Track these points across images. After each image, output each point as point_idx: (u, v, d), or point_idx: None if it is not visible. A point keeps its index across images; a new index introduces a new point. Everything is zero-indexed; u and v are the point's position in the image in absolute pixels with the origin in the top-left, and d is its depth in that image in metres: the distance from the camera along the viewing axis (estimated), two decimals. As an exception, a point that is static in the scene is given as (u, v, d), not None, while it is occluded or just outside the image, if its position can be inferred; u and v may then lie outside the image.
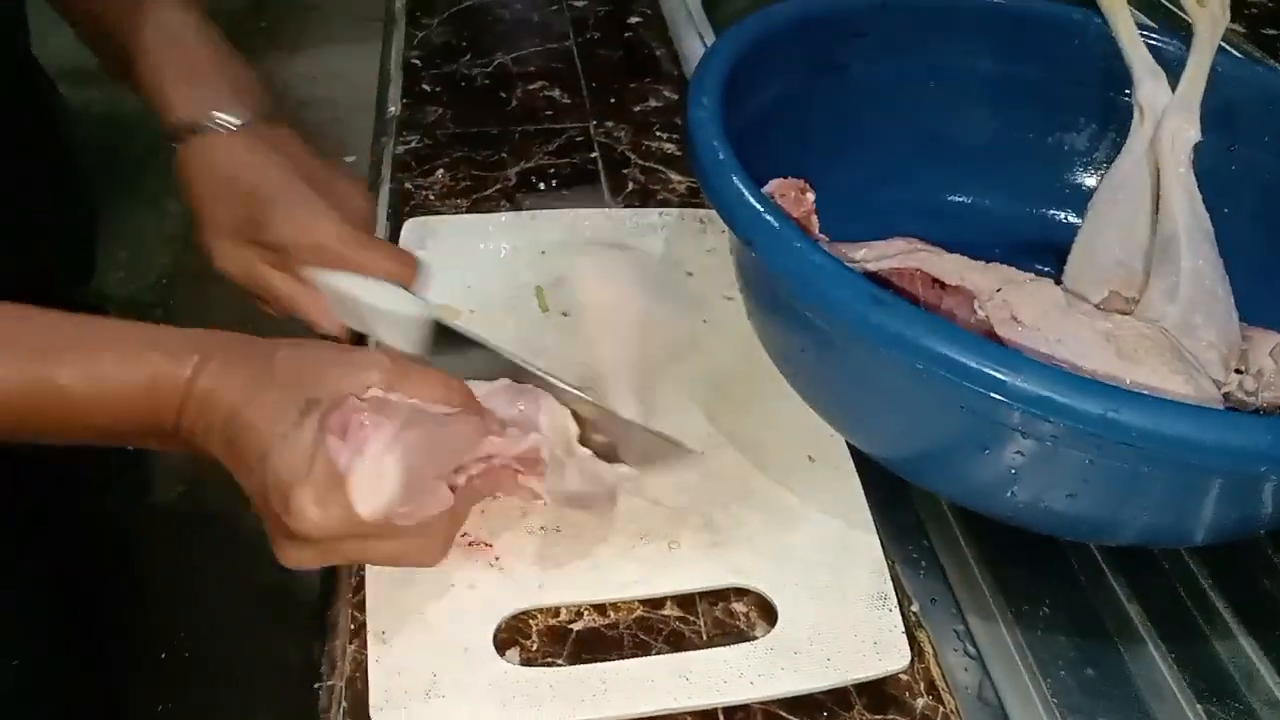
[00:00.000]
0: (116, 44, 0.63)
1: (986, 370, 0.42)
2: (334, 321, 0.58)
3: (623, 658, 0.50)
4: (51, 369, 0.47)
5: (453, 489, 0.48)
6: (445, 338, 0.57)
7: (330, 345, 0.53)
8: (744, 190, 0.51)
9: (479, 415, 0.50)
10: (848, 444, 0.59)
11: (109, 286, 1.48)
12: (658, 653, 0.50)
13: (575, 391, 0.53)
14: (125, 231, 1.88)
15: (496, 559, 0.53)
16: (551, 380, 0.53)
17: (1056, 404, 0.41)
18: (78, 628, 0.77)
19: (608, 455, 0.53)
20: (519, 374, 0.54)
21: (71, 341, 0.48)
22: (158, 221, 1.87)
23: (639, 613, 0.52)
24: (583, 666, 0.49)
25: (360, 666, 0.49)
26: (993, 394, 0.42)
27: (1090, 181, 0.71)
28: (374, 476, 0.44)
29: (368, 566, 0.52)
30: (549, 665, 0.49)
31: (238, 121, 0.59)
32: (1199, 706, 0.49)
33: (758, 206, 0.50)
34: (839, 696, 0.49)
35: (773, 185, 0.62)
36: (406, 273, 0.58)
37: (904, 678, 0.49)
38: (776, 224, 0.49)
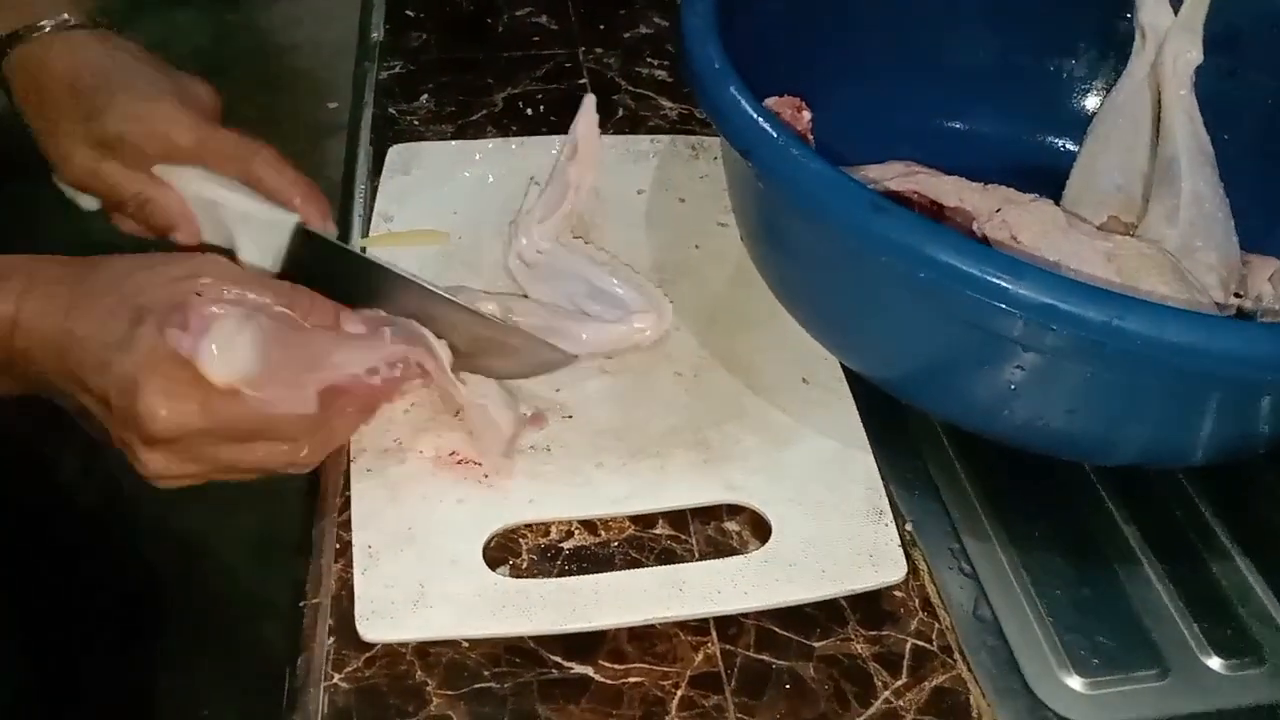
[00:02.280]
0: None
1: (990, 277, 0.41)
2: (192, 225, 0.55)
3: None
4: None
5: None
6: (304, 248, 0.54)
7: (153, 254, 0.50)
8: (740, 99, 0.50)
9: (335, 328, 0.49)
10: (842, 366, 0.58)
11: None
12: (655, 564, 0.50)
13: (473, 309, 0.53)
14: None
15: (485, 476, 0.52)
16: (448, 297, 0.53)
17: (1060, 311, 0.41)
18: (57, 588, 0.76)
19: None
20: (418, 294, 0.53)
21: None
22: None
23: (630, 531, 0.51)
24: (574, 578, 0.49)
25: (346, 585, 0.49)
26: (995, 302, 0.41)
27: (1089, 108, 0.70)
28: (225, 346, 0.44)
29: (354, 484, 0.51)
30: (545, 579, 0.49)
31: (70, 20, 0.56)
32: (1195, 625, 0.49)
33: (755, 115, 0.49)
34: (833, 612, 0.48)
35: (768, 103, 0.60)
36: (262, 164, 0.55)
37: (898, 594, 0.49)
38: (774, 132, 0.48)
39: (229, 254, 0.53)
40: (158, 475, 0.46)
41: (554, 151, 0.71)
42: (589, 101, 0.63)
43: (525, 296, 0.61)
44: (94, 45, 0.56)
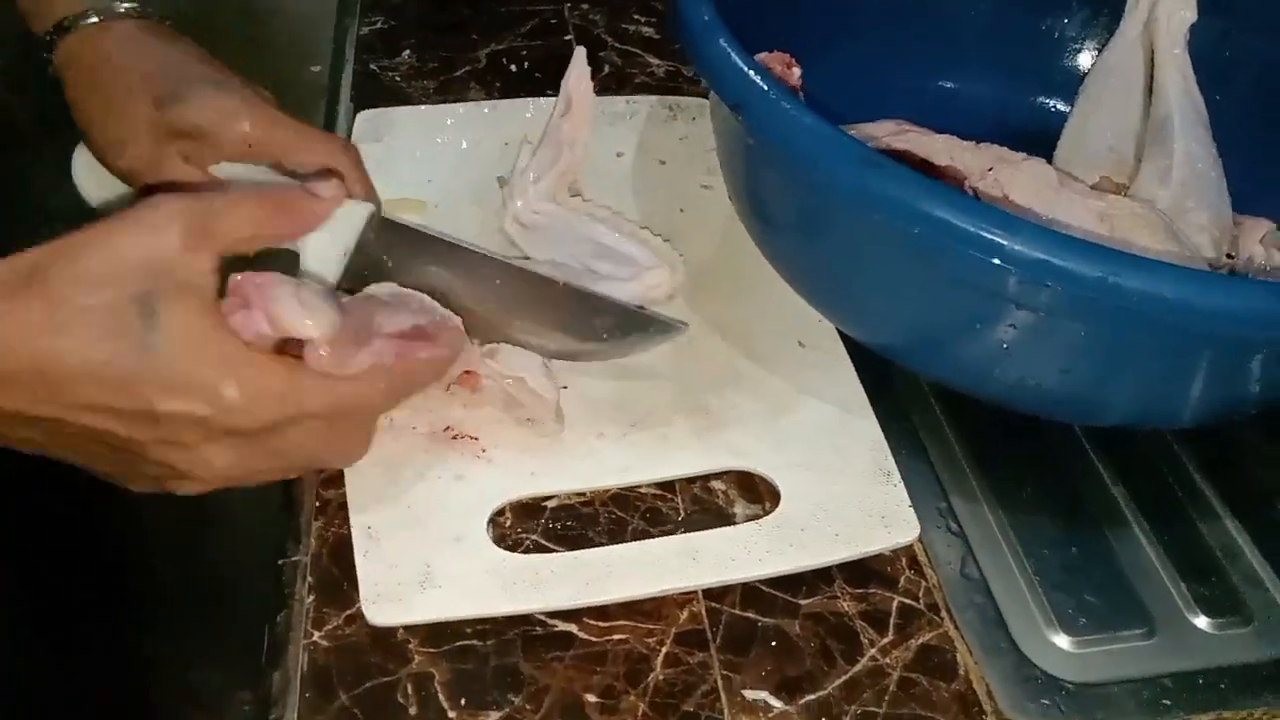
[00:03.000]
0: None
1: (984, 233, 0.40)
2: None
3: (621, 541, 0.48)
4: None
5: None
6: (395, 236, 0.50)
7: (88, 227, 0.40)
8: (731, 52, 0.49)
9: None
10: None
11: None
12: (664, 535, 0.49)
13: (534, 269, 0.52)
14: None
15: (484, 451, 0.51)
16: (506, 260, 0.52)
17: (1055, 267, 0.40)
18: (62, 566, 0.75)
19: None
20: (467, 260, 0.51)
21: None
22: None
23: (638, 497, 0.50)
24: (586, 551, 0.48)
25: (325, 542, 0.48)
26: (990, 258, 0.41)
27: (1082, 67, 0.69)
28: (303, 303, 0.41)
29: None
30: (554, 553, 0.48)
31: (119, 8, 0.53)
32: (1182, 584, 0.49)
33: (746, 69, 0.48)
34: (819, 571, 0.48)
35: (758, 59, 0.59)
36: (346, 157, 0.52)
37: (886, 553, 0.49)
38: (766, 87, 0.47)
39: (293, 256, 0.49)
40: (224, 475, 0.41)
41: (528, 114, 0.70)
42: (580, 55, 0.62)
43: (527, 259, 0.59)
44: (154, 35, 0.53)
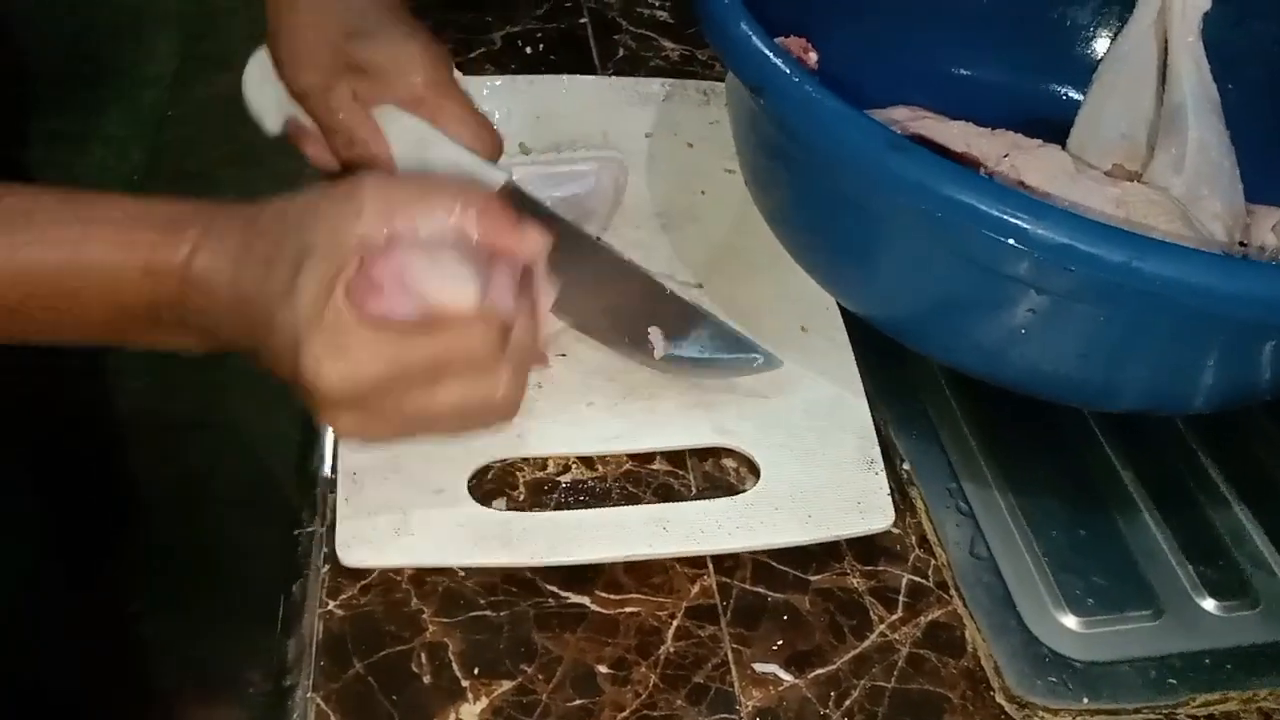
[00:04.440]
0: None
1: (1008, 217, 0.41)
2: (390, 159, 0.52)
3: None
4: (36, 253, 0.41)
5: None
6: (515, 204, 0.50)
7: (313, 189, 0.45)
8: (752, 34, 0.49)
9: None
10: (842, 314, 0.58)
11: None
12: (646, 504, 0.49)
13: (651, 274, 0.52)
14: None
15: None
16: (628, 261, 0.52)
17: (1079, 251, 0.40)
18: (66, 526, 0.75)
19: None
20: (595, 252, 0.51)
21: (54, 220, 0.42)
22: (128, 118, 1.79)
23: (628, 466, 0.51)
24: (559, 512, 0.48)
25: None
26: (1013, 242, 0.41)
27: (1095, 56, 0.69)
28: (438, 276, 0.39)
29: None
30: (527, 513, 0.49)
31: None
32: (1189, 567, 0.49)
33: (767, 51, 0.48)
34: (829, 547, 0.49)
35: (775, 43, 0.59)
36: (488, 139, 0.52)
37: (895, 531, 0.49)
38: (788, 69, 0.47)
39: None
40: (352, 436, 0.43)
41: (563, 90, 0.70)
42: None
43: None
44: None
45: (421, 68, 0.51)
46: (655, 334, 0.52)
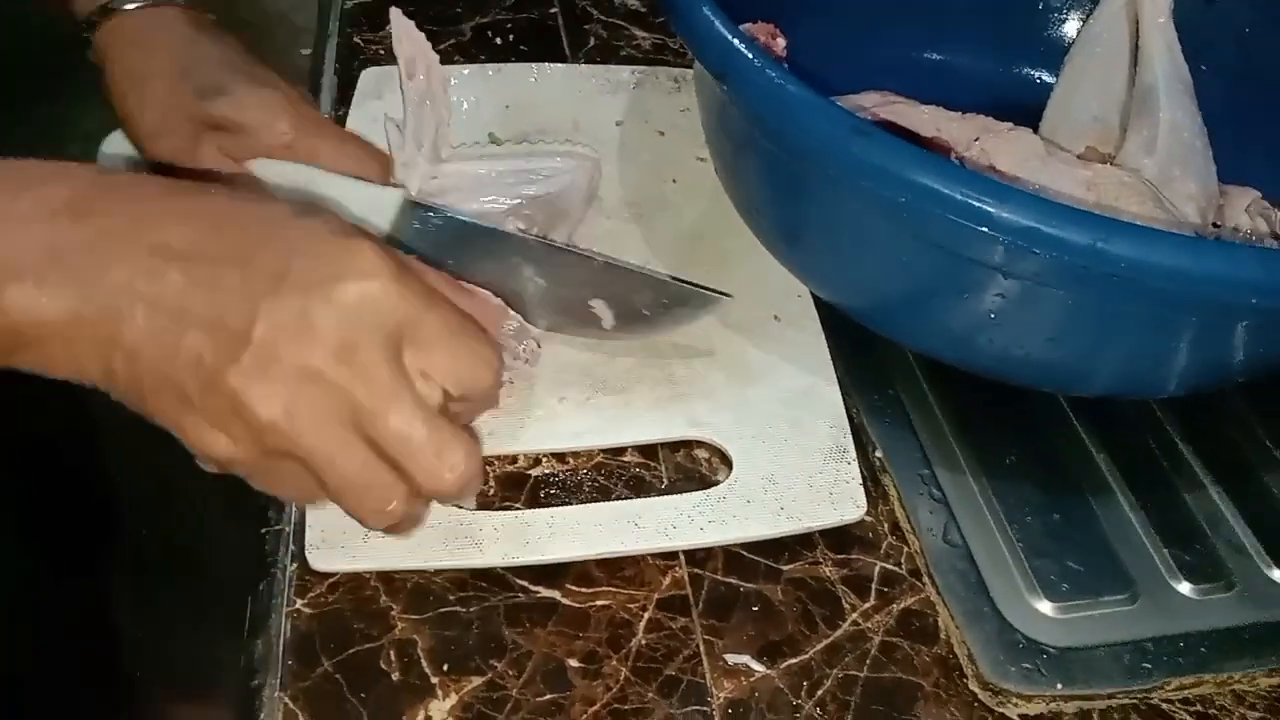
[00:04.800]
0: None
1: (973, 201, 0.40)
2: None
3: (583, 503, 0.49)
4: None
5: None
6: (417, 221, 0.50)
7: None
8: (715, 20, 0.49)
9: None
10: (814, 302, 0.58)
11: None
12: (617, 498, 0.49)
13: (576, 249, 0.51)
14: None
15: None
16: (549, 243, 0.51)
17: (1044, 234, 0.40)
18: (42, 510, 0.74)
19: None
20: (509, 243, 0.50)
21: None
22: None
23: (599, 459, 0.50)
24: (529, 511, 0.48)
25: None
26: (978, 226, 0.41)
27: (1066, 39, 0.69)
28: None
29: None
30: (503, 510, 0.48)
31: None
32: (1165, 550, 0.49)
33: (731, 38, 0.48)
34: (801, 536, 0.48)
35: (743, 28, 0.59)
36: (374, 163, 0.52)
37: (868, 519, 0.49)
38: (751, 55, 0.47)
39: None
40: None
41: (532, 79, 0.70)
42: (395, 14, 0.58)
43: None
44: (198, 26, 0.53)
45: (285, 113, 0.50)
46: (599, 305, 0.51)
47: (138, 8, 0.52)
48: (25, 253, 0.34)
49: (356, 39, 0.75)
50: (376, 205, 0.49)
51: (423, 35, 0.58)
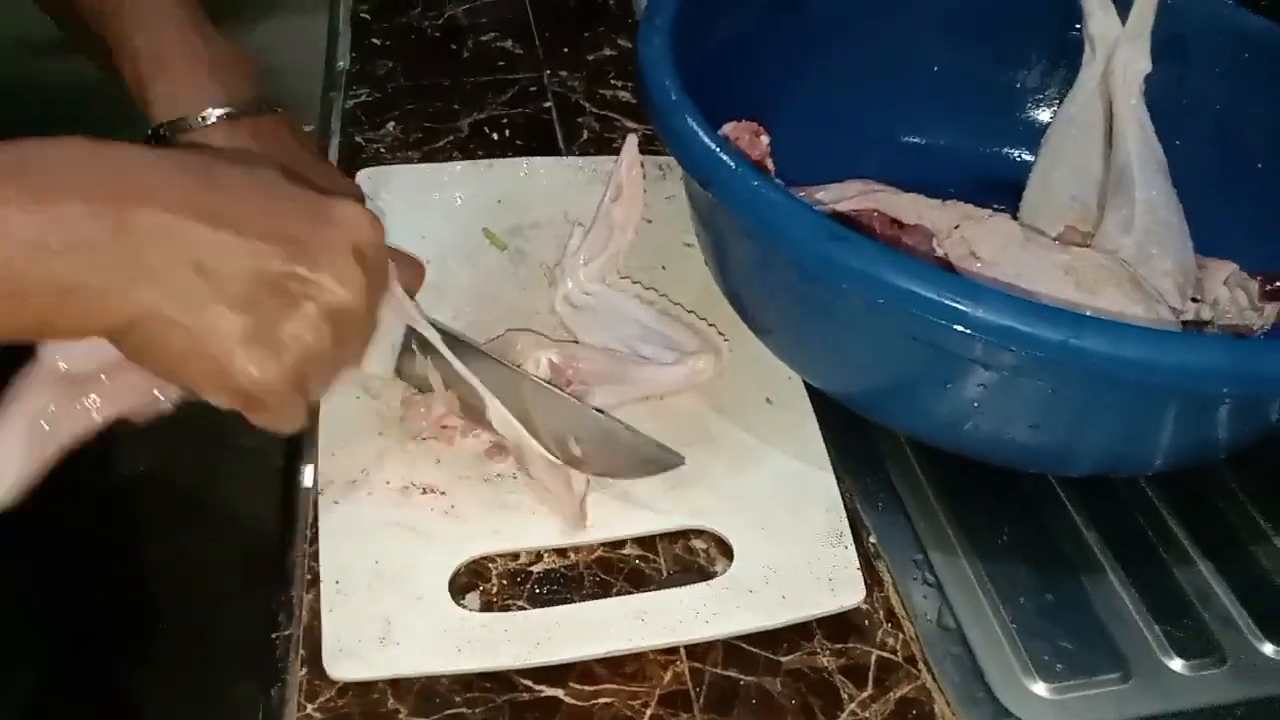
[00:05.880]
0: (86, 21, 0.58)
1: (947, 302, 0.42)
2: None
3: (584, 599, 0.50)
4: None
5: None
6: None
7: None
8: (698, 130, 0.51)
9: None
10: (805, 385, 0.59)
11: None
12: (618, 592, 0.50)
13: (558, 391, 0.53)
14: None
15: (452, 507, 0.52)
16: (542, 383, 0.53)
17: (1018, 333, 0.41)
18: (60, 606, 0.76)
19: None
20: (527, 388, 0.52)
21: None
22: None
23: (599, 553, 0.52)
24: (537, 611, 0.49)
25: (318, 615, 0.49)
26: (954, 326, 0.42)
27: (1044, 118, 0.71)
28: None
29: (321, 518, 0.51)
30: (507, 609, 0.49)
31: (219, 113, 0.56)
32: (1156, 627, 0.50)
33: (713, 145, 0.50)
34: (799, 627, 0.49)
35: (727, 129, 0.61)
36: (411, 274, 0.52)
37: (863, 607, 0.50)
38: (732, 163, 0.49)
39: None
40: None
41: (522, 173, 0.72)
42: (631, 141, 0.63)
43: (577, 342, 0.60)
44: (243, 138, 0.56)
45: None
46: (574, 444, 0.52)
47: (210, 125, 0.55)
48: (66, 224, 0.38)
49: (358, 138, 0.78)
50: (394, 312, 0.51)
51: (641, 175, 0.62)
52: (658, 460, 0.52)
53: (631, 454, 0.52)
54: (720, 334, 0.61)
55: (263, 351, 0.41)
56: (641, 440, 0.53)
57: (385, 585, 0.49)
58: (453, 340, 0.51)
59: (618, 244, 0.62)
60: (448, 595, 0.49)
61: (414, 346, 0.50)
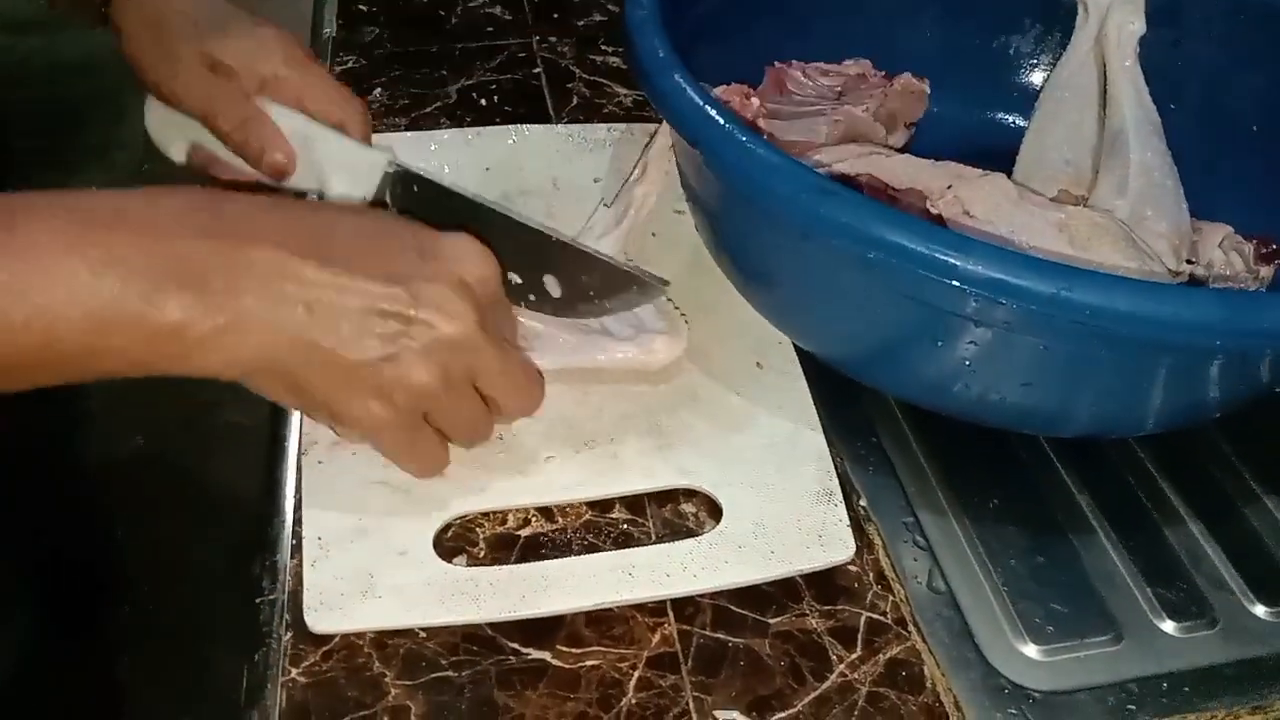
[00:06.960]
0: None
1: (937, 255, 0.42)
2: (290, 150, 0.54)
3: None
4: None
5: None
6: (399, 185, 0.54)
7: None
8: (686, 86, 0.50)
9: None
10: (796, 349, 0.58)
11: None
12: (602, 550, 0.50)
13: (539, 226, 0.52)
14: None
15: None
16: (514, 217, 0.52)
17: (1009, 285, 0.41)
18: (47, 584, 0.76)
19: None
20: (480, 213, 0.52)
21: None
22: (104, 175, 1.81)
23: (587, 516, 0.51)
24: (524, 565, 0.49)
25: (301, 581, 0.48)
26: (945, 279, 0.42)
27: (1037, 83, 0.70)
28: None
29: (305, 477, 0.51)
30: (492, 567, 0.49)
31: None
32: (1147, 589, 0.50)
33: (700, 102, 0.49)
34: (788, 589, 0.49)
35: (717, 91, 0.61)
36: (356, 111, 0.56)
37: (853, 568, 0.49)
38: (721, 119, 0.48)
39: (318, 195, 0.55)
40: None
41: (510, 141, 0.72)
42: (665, 129, 0.62)
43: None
44: None
45: (278, 49, 0.55)
46: (550, 281, 0.52)
47: None
48: (180, 263, 0.39)
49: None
50: (364, 165, 0.54)
51: (672, 159, 0.61)
52: (640, 286, 0.52)
53: (610, 281, 0.52)
54: (684, 318, 0.59)
55: (371, 393, 0.42)
56: (620, 265, 0.52)
57: (369, 541, 0.49)
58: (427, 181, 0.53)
59: (631, 221, 0.61)
60: (432, 551, 0.49)
61: None
